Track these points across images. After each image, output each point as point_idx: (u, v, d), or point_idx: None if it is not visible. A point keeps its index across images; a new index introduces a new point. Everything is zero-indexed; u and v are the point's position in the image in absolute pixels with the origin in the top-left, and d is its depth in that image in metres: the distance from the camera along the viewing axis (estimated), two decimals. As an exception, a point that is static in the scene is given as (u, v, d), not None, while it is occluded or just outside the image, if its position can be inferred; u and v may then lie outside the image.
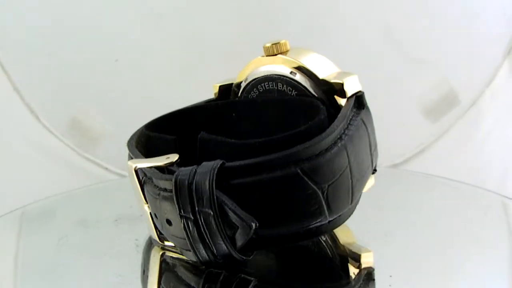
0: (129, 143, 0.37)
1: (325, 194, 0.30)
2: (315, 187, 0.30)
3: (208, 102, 0.43)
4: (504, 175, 0.68)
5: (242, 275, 0.31)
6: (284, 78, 0.37)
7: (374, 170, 0.37)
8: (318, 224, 0.31)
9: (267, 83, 0.38)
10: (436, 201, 0.44)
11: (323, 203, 0.30)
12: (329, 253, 0.36)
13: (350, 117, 0.34)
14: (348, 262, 0.35)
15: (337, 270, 0.34)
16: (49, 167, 0.66)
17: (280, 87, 0.37)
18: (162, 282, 0.33)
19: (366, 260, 0.34)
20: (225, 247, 0.29)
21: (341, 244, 0.36)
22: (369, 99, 0.36)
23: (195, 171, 0.29)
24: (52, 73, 0.65)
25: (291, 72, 0.36)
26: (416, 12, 0.66)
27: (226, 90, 0.42)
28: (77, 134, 0.66)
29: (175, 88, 0.66)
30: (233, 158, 0.29)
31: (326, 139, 0.30)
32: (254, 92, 0.39)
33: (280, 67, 0.37)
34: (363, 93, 0.36)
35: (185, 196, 0.29)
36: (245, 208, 0.29)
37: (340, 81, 0.35)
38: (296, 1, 0.65)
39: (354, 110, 0.34)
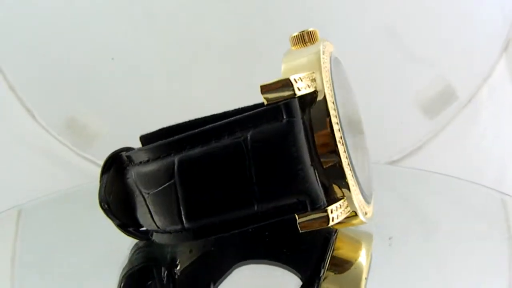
0: None
1: (148, 200, 0.31)
2: (138, 191, 0.32)
3: None
4: (502, 171, 0.68)
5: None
6: None
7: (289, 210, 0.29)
8: (151, 229, 0.33)
9: None
10: (434, 198, 0.44)
11: (148, 209, 0.31)
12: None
13: (234, 131, 0.28)
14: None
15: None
16: (45, 166, 0.65)
17: None
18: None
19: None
20: None
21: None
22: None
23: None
24: (48, 72, 0.65)
25: None
26: (414, 10, 0.66)
27: None
28: (73, 133, 0.66)
29: (171, 87, 0.66)
30: None
31: (151, 149, 0.31)
32: None
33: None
34: (289, 101, 0.28)
35: None
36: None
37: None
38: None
39: (258, 122, 0.28)
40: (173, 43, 0.66)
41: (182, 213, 0.29)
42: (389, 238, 0.32)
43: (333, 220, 0.29)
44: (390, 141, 0.66)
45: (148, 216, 0.32)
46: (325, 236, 0.34)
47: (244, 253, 0.35)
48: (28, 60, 0.65)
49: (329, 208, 0.28)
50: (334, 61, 0.33)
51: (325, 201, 0.29)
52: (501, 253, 0.34)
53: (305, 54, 0.31)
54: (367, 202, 0.33)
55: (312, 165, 0.28)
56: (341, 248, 0.33)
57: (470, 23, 0.66)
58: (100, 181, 0.34)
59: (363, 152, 0.35)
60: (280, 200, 0.28)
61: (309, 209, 0.28)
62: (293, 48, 0.33)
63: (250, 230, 0.35)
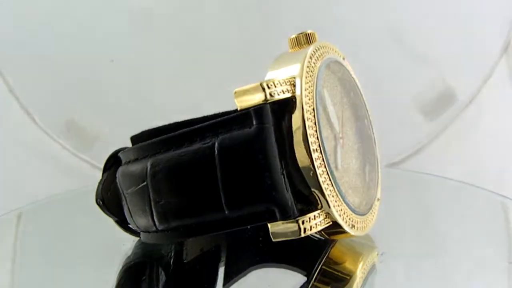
0: None
1: (127, 200, 0.32)
2: (120, 190, 0.33)
3: None
4: (501, 174, 0.67)
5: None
6: None
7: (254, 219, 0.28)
8: (134, 228, 0.34)
9: None
10: (434, 201, 0.44)
11: (128, 208, 0.33)
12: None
13: (205, 136, 0.28)
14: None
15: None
16: (45, 169, 0.65)
17: None
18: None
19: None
20: None
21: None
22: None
23: None
24: (48, 75, 0.65)
25: None
26: (415, 11, 0.66)
27: None
28: (73, 136, 0.66)
29: (171, 89, 0.66)
30: None
31: (133, 151, 0.32)
32: None
33: None
34: (260, 107, 0.27)
35: None
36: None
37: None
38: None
39: (229, 128, 0.28)
40: (173, 44, 0.66)
41: (154, 214, 0.29)
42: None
43: (304, 232, 0.27)
44: (390, 143, 0.66)
45: (129, 215, 0.32)
46: (319, 247, 0.34)
47: (254, 256, 0.35)
48: (28, 63, 0.65)
49: (300, 219, 0.27)
50: (333, 64, 0.32)
51: (295, 211, 0.27)
52: (501, 255, 0.34)
53: (292, 58, 0.30)
54: (357, 213, 0.31)
55: (283, 173, 0.27)
56: (339, 260, 0.33)
57: (470, 24, 0.66)
58: (100, 179, 0.35)
59: (367, 159, 0.34)
60: (247, 207, 0.27)
61: (278, 218, 0.27)
62: (291, 50, 0.32)
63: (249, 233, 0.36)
